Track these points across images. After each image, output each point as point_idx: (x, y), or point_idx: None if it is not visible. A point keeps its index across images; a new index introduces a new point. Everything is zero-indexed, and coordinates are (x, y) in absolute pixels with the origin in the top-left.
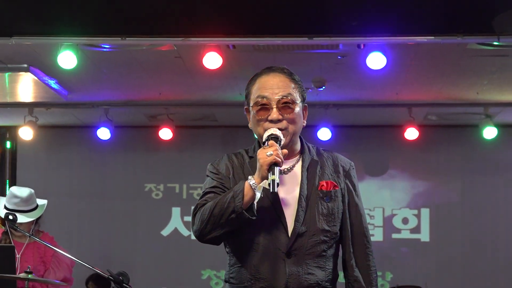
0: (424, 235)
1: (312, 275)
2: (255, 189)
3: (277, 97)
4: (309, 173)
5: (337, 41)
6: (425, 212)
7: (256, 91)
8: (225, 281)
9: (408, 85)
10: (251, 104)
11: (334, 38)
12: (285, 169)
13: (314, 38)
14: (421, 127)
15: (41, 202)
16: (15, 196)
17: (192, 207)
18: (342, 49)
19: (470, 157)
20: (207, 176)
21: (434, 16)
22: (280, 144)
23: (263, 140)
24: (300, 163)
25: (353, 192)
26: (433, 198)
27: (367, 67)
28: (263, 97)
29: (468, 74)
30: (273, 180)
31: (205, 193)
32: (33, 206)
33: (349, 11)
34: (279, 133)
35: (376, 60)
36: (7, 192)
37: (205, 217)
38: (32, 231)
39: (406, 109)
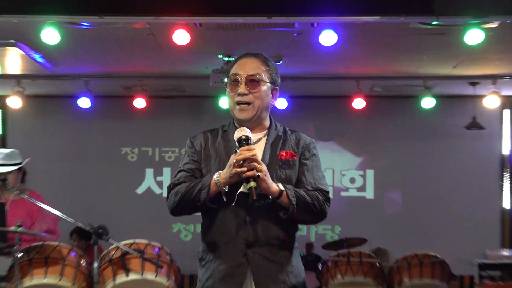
0: (369, 193)
1: (269, 230)
2: (218, 184)
3: (245, 74)
4: (272, 145)
5: (293, 20)
6: (370, 173)
7: (232, 69)
8: (201, 240)
9: (357, 60)
10: (228, 82)
11: (291, 18)
12: (253, 142)
13: (272, 17)
14: (367, 97)
15: (24, 161)
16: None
17: (168, 185)
18: (297, 27)
19: (411, 125)
20: (185, 150)
21: None
22: (250, 142)
23: (235, 140)
24: (266, 137)
25: (308, 159)
26: (377, 160)
27: (320, 44)
28: (235, 74)
29: (410, 50)
30: (251, 188)
31: (178, 172)
32: (16, 161)
33: None
34: (248, 132)
35: (328, 38)
36: None
37: (177, 200)
38: (19, 187)
39: (354, 82)
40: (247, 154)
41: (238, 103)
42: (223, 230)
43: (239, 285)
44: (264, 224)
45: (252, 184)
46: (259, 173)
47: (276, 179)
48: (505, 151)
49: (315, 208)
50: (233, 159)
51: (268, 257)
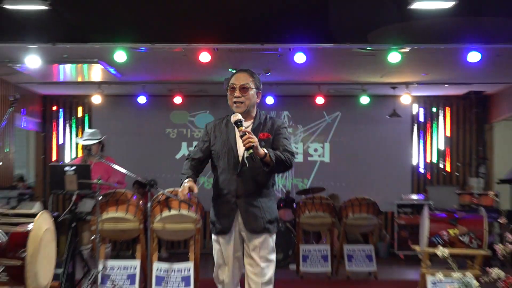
0: (326, 158)
1: (251, 185)
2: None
3: (239, 84)
4: (256, 129)
5: (277, 46)
6: (327, 146)
7: (231, 80)
8: (212, 190)
9: (319, 72)
10: (227, 88)
11: (275, 45)
12: (245, 127)
13: (264, 45)
14: (325, 96)
15: (102, 137)
16: (86, 132)
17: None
18: (280, 51)
19: (353, 114)
20: (202, 132)
21: (322, 31)
22: (241, 123)
23: (233, 122)
24: (252, 124)
25: (280, 133)
26: (331, 137)
27: (294, 61)
28: (233, 83)
29: (353, 66)
30: (251, 153)
31: (195, 146)
32: (97, 137)
33: (284, 29)
34: (240, 116)
35: (299, 58)
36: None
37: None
38: (100, 154)
39: (317, 86)
40: (185, 191)
41: (235, 102)
42: (221, 186)
43: (232, 221)
44: (247, 182)
45: (251, 151)
46: (254, 144)
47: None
48: (414, 131)
49: (286, 162)
50: (180, 192)
51: (251, 203)
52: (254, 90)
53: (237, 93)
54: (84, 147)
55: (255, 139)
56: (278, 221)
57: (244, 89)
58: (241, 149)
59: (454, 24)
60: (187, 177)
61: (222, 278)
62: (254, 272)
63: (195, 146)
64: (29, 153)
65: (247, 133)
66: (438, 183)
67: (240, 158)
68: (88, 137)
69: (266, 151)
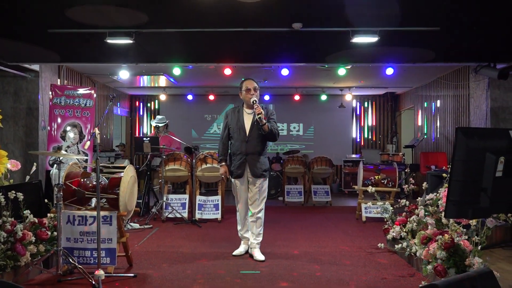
0: (301, 132)
1: (254, 147)
2: (220, 168)
3: (252, 86)
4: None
5: (270, 64)
6: (301, 125)
7: (245, 85)
8: (231, 151)
9: (297, 80)
10: (243, 89)
11: (269, 63)
12: (252, 112)
13: (263, 63)
14: (300, 95)
15: (166, 121)
16: (157, 117)
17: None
18: (273, 67)
19: (316, 106)
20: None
21: (298, 55)
22: (256, 102)
23: (251, 102)
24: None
25: (271, 118)
26: (304, 121)
27: (281, 74)
28: (247, 87)
29: (318, 77)
30: (260, 117)
31: (222, 129)
32: (164, 121)
33: (275, 54)
34: (255, 98)
35: (284, 71)
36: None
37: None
38: (165, 131)
39: (295, 89)
40: (222, 175)
41: (251, 98)
42: (236, 148)
43: (244, 170)
44: (252, 145)
45: (259, 115)
46: (261, 111)
47: (256, 129)
48: (354, 116)
49: (275, 134)
50: (222, 175)
51: (254, 159)
52: (258, 90)
53: (252, 92)
54: (156, 126)
55: (263, 111)
56: (270, 170)
57: (255, 88)
58: (247, 125)
59: (377, 51)
60: (220, 160)
61: (238, 206)
62: (252, 205)
63: (222, 130)
64: (122, 130)
65: (258, 107)
66: (368, 147)
67: (247, 132)
68: (158, 120)
69: (266, 122)
